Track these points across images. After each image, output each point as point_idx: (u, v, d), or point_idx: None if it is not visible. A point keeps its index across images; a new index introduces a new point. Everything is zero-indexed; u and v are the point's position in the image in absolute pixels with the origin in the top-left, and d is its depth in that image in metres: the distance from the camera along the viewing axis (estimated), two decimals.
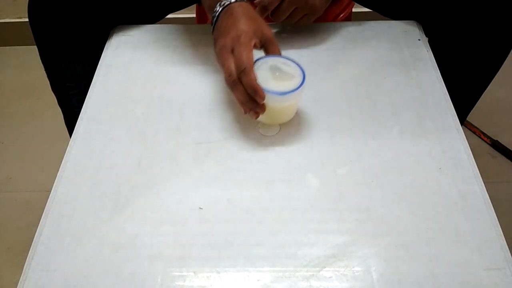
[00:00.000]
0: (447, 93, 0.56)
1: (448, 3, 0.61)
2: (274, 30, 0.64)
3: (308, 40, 0.63)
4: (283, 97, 0.48)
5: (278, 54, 0.53)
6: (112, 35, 0.65)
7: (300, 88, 0.49)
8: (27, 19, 0.63)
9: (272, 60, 0.51)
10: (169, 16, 0.70)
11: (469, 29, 0.61)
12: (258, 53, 0.56)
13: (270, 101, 0.49)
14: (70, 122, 0.75)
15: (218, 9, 0.53)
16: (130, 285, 0.41)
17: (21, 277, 0.42)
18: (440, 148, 0.50)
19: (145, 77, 0.59)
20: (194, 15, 0.89)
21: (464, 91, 0.69)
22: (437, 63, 0.59)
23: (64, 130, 0.76)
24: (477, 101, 0.72)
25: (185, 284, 0.41)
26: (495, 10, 0.59)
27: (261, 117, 0.52)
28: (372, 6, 0.68)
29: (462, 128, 0.52)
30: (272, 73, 0.50)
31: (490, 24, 0.61)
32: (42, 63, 0.68)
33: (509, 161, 1.20)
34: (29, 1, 0.62)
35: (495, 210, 0.45)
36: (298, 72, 0.50)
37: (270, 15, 0.59)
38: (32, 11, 0.62)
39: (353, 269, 0.41)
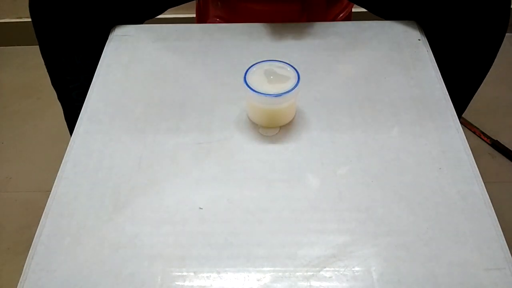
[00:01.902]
0: (447, 93, 0.56)
1: (446, 4, 0.61)
2: (274, 30, 0.65)
3: (308, 40, 0.63)
4: (278, 99, 0.49)
5: None
6: (112, 35, 0.65)
7: (295, 89, 0.49)
8: (27, 19, 0.63)
9: (267, 65, 0.52)
10: (169, 16, 0.71)
11: (467, 29, 0.62)
12: (253, 59, 0.57)
13: (267, 104, 0.50)
14: (70, 117, 0.75)
15: None
16: (130, 285, 0.41)
17: (21, 277, 0.42)
18: (440, 148, 0.50)
19: (145, 77, 0.59)
20: (194, 15, 0.89)
21: (462, 89, 0.70)
22: (437, 63, 0.60)
23: (64, 130, 0.76)
24: (471, 98, 0.73)
25: (185, 284, 0.41)
26: (491, 9, 0.60)
27: (260, 121, 0.52)
28: (371, 8, 0.68)
29: (462, 128, 0.52)
30: (267, 77, 0.50)
31: (486, 23, 0.61)
32: (42, 56, 0.68)
33: (509, 161, 1.20)
34: None
35: (495, 210, 0.45)
36: (293, 74, 0.50)
37: None
38: (33, 4, 0.62)
39: (353, 269, 0.41)
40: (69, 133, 0.72)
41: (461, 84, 0.69)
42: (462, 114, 0.78)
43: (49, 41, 0.65)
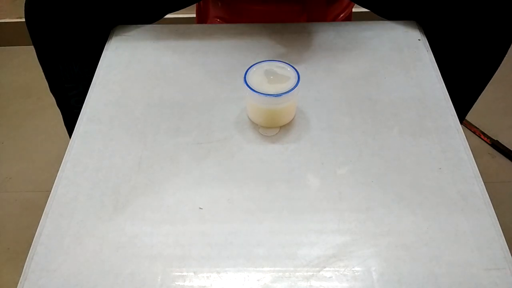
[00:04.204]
0: (447, 93, 0.56)
1: (446, 4, 0.61)
2: (274, 30, 0.65)
3: (308, 40, 0.63)
4: (278, 99, 0.49)
5: None
6: (112, 35, 0.65)
7: (295, 89, 0.49)
8: None
9: (267, 65, 0.52)
10: (169, 16, 0.70)
11: (468, 29, 0.62)
12: (253, 59, 0.56)
13: (267, 104, 0.50)
14: (70, 123, 0.75)
15: None
16: (130, 285, 0.41)
17: (21, 277, 0.42)
18: (440, 148, 0.50)
19: (145, 77, 0.59)
20: (194, 15, 0.89)
21: (464, 91, 0.70)
22: (437, 63, 0.59)
23: (64, 130, 0.76)
24: (475, 101, 0.73)
25: (185, 284, 0.41)
26: (493, 9, 0.60)
27: (260, 120, 0.52)
28: (371, 7, 0.68)
29: (462, 128, 0.52)
30: (267, 77, 0.50)
31: (488, 24, 0.61)
32: (40, 64, 0.67)
33: (509, 161, 1.20)
34: (25, 2, 0.62)
35: (495, 210, 0.45)
36: (293, 74, 0.50)
37: None
38: (28, 12, 0.62)
39: (353, 269, 0.41)
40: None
41: (463, 86, 0.68)
42: (465, 117, 0.78)
43: (46, 48, 0.65)
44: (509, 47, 0.64)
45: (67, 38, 0.63)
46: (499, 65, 0.66)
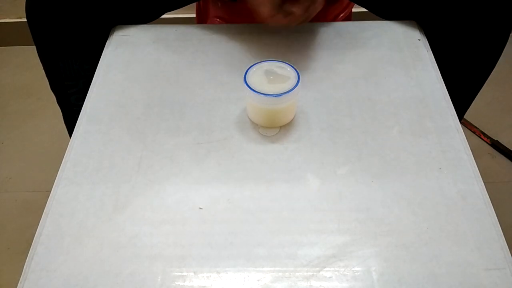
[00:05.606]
0: (447, 93, 0.56)
1: (446, 4, 0.61)
2: (274, 30, 0.65)
3: (308, 40, 0.63)
4: (278, 99, 0.49)
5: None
6: (112, 35, 0.65)
7: (295, 89, 0.49)
8: None
9: (267, 65, 0.52)
10: (169, 16, 0.70)
11: (467, 29, 0.62)
12: (253, 59, 0.56)
13: (267, 104, 0.50)
14: (69, 121, 0.75)
15: None
16: (130, 285, 0.41)
17: (21, 277, 0.42)
18: (440, 148, 0.50)
19: (145, 77, 0.59)
20: (194, 15, 0.89)
21: (463, 90, 0.70)
22: (437, 63, 0.60)
23: (64, 130, 0.76)
24: (473, 99, 0.73)
25: (185, 284, 0.41)
26: (491, 9, 0.60)
27: (260, 121, 0.52)
28: (371, 7, 0.68)
29: (462, 128, 0.52)
30: (267, 77, 0.50)
31: (487, 22, 0.61)
32: (40, 61, 0.68)
33: (509, 161, 1.20)
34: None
35: (495, 210, 0.45)
36: (293, 74, 0.50)
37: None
38: (29, 9, 0.62)
39: (353, 269, 0.41)
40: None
41: (462, 85, 0.68)
42: (463, 115, 0.78)
43: (46, 45, 0.65)
44: (505, 43, 0.64)
45: (67, 35, 0.63)
46: (496, 63, 0.67)
